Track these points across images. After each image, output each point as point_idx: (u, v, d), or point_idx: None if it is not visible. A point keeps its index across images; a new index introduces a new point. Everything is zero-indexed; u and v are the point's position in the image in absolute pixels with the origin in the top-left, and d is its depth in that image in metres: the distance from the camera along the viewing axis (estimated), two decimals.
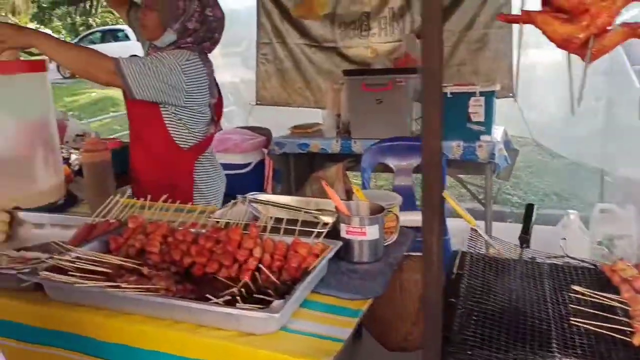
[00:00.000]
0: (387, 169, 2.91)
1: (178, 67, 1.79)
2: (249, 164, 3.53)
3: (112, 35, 16.58)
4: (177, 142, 1.93)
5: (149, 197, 1.55)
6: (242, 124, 4.24)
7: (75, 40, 15.53)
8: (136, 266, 1.10)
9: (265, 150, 3.72)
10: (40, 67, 1.74)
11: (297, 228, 1.27)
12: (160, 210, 1.51)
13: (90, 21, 21.70)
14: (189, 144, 1.96)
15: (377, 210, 1.32)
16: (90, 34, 17.68)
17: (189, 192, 2.00)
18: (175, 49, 1.86)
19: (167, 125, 1.90)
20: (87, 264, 1.06)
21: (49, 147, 1.82)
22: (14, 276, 1.10)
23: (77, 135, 2.39)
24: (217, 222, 1.42)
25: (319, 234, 1.23)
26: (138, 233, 1.32)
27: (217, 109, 2.05)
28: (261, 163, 3.71)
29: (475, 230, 1.30)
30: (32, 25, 15.67)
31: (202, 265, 1.22)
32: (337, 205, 1.32)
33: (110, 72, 1.74)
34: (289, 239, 1.25)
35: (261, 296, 0.98)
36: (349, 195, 3.79)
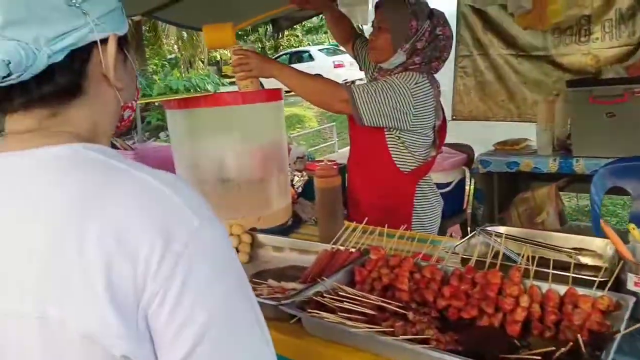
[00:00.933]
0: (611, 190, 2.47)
1: (408, 92, 1.73)
2: (450, 183, 3.35)
3: (297, 57, 17.74)
4: (398, 165, 1.87)
5: (385, 225, 1.50)
6: None
7: None
8: (398, 309, 1.03)
9: (466, 169, 3.52)
10: (277, 96, 1.83)
11: (571, 275, 1.08)
12: (397, 238, 1.45)
13: (279, 44, 23.65)
14: (410, 167, 1.88)
15: None
16: (279, 56, 19.16)
17: (408, 216, 1.92)
18: (404, 71, 1.80)
19: (389, 148, 1.85)
20: (350, 304, 1.01)
21: (280, 170, 1.90)
22: (276, 307, 1.10)
23: (298, 158, 2.51)
24: (464, 258, 1.30)
25: (601, 284, 1.03)
26: (381, 265, 1.27)
27: (440, 131, 1.94)
28: (461, 182, 3.51)
29: None
30: None
31: (458, 310, 1.11)
32: (620, 250, 1.10)
33: (343, 101, 1.76)
34: (559, 287, 1.07)
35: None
36: (562, 218, 3.39)
